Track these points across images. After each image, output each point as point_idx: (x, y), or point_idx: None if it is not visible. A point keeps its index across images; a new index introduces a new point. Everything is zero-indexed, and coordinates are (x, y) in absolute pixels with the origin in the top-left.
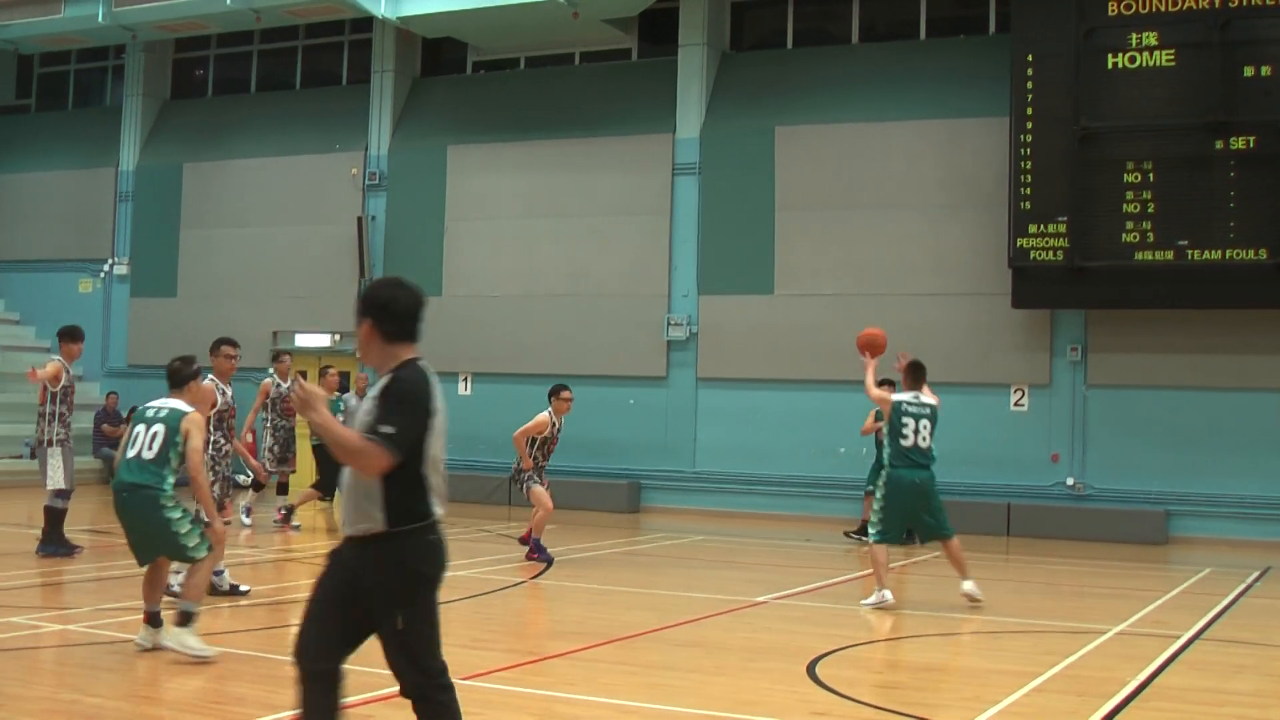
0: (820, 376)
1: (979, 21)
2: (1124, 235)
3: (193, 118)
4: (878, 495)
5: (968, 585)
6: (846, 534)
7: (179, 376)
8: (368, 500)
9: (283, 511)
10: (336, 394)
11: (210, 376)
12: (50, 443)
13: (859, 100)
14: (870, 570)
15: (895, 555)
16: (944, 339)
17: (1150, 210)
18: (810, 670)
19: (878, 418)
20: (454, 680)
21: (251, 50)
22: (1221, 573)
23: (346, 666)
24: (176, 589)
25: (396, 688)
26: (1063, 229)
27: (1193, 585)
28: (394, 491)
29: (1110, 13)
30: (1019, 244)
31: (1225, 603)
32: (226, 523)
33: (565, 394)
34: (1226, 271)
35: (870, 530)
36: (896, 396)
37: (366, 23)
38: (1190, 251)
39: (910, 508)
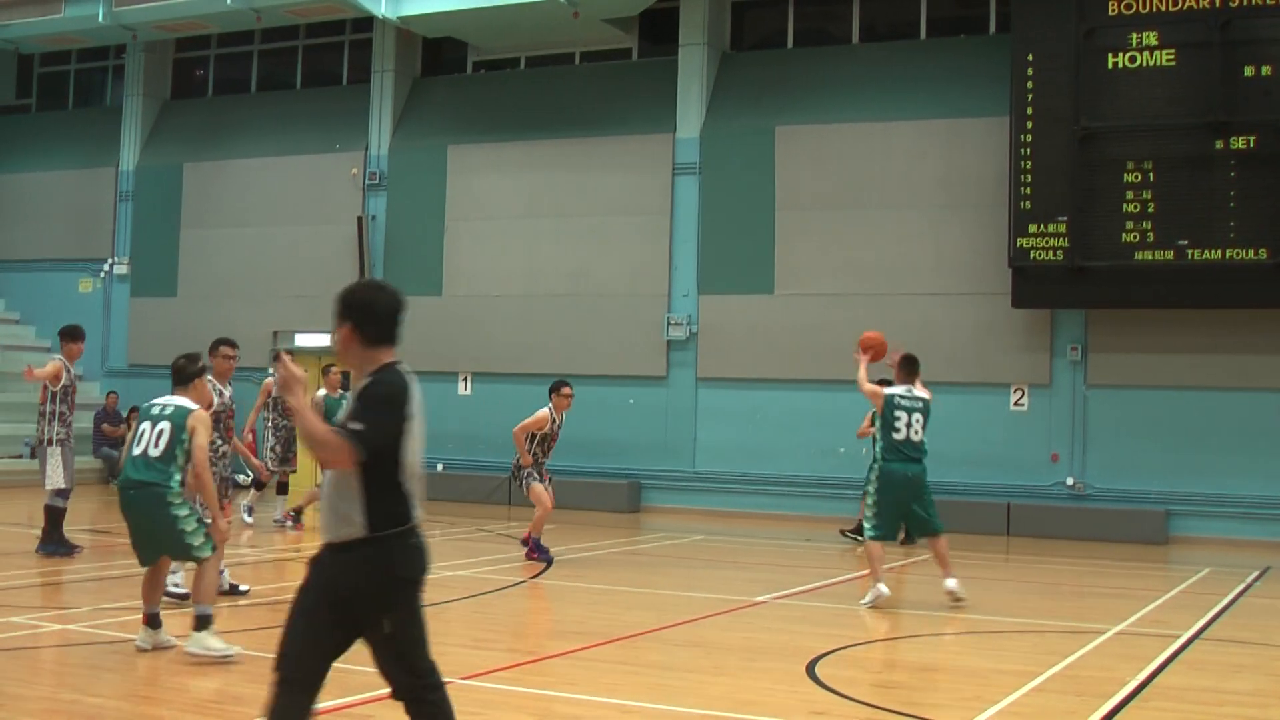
0: (820, 376)
1: (979, 21)
2: (1124, 235)
3: (193, 117)
4: (870, 490)
5: (950, 583)
6: (842, 532)
7: (184, 374)
8: (348, 506)
9: (290, 514)
10: (340, 392)
11: (208, 377)
12: (50, 442)
13: (859, 100)
14: (868, 570)
15: (895, 555)
16: (944, 339)
17: (1150, 210)
18: (810, 670)
19: (874, 421)
20: (454, 680)
21: (252, 50)
22: (1221, 572)
23: (337, 671)
24: (173, 590)
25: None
26: (1063, 229)
27: (1193, 585)
28: (374, 497)
29: (1110, 12)
30: (1019, 244)
31: (1225, 602)
32: (228, 522)
33: (566, 390)
34: (1227, 271)
35: (865, 526)
36: (889, 390)
37: (367, 22)
38: (1190, 251)
39: (903, 501)
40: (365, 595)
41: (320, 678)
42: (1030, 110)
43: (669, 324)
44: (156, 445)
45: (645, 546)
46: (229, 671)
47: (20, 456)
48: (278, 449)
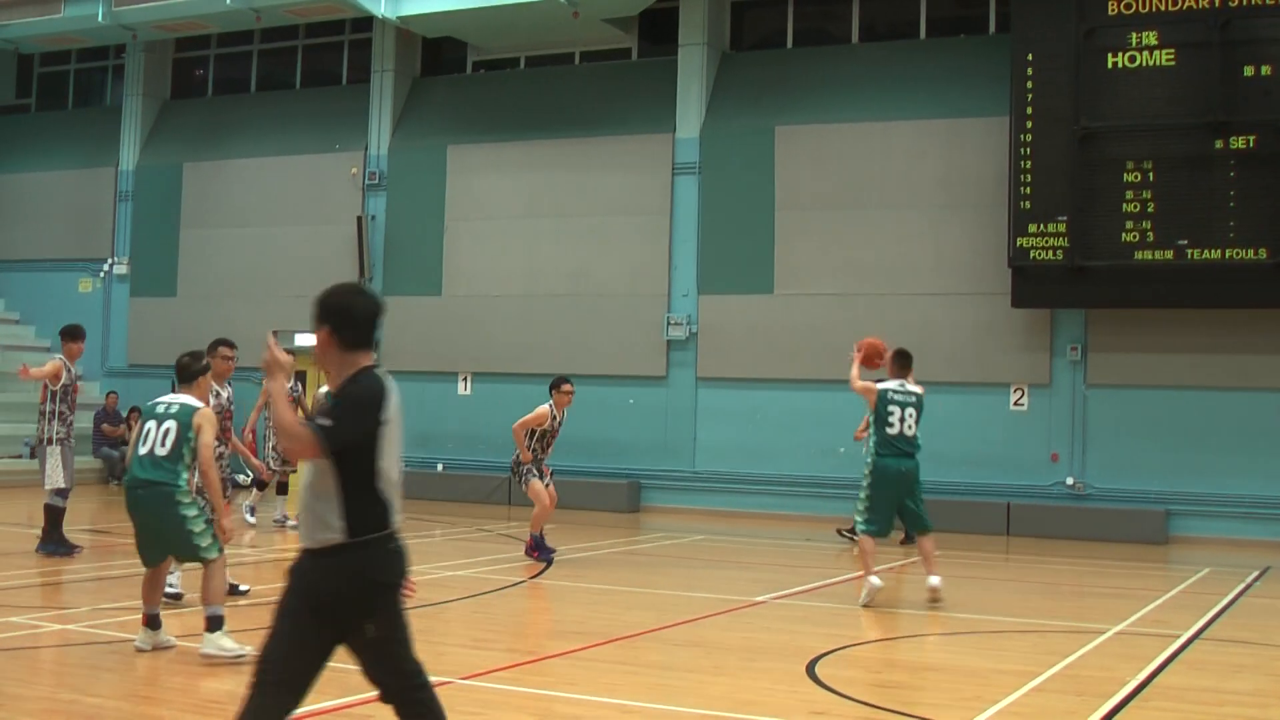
0: (820, 376)
1: (979, 21)
2: (1124, 235)
3: (193, 117)
4: (863, 485)
5: (934, 580)
6: (839, 532)
7: (188, 372)
8: (326, 511)
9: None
10: None
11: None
12: (50, 441)
13: (859, 100)
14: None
15: (894, 554)
16: (944, 338)
17: (1150, 210)
18: (810, 670)
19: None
20: (454, 680)
21: (251, 50)
22: (1221, 572)
23: (337, 671)
24: (167, 590)
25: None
26: (1063, 228)
27: (1192, 585)
28: (352, 501)
29: (1110, 12)
30: (1019, 243)
31: (1225, 602)
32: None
33: (566, 387)
34: (1226, 271)
35: (857, 520)
36: (882, 385)
37: (366, 22)
38: (1190, 251)
39: (896, 496)
40: (347, 601)
41: (305, 682)
42: (1030, 110)
43: (669, 324)
44: (163, 444)
45: (645, 546)
46: (230, 672)
47: (20, 456)
48: (279, 449)
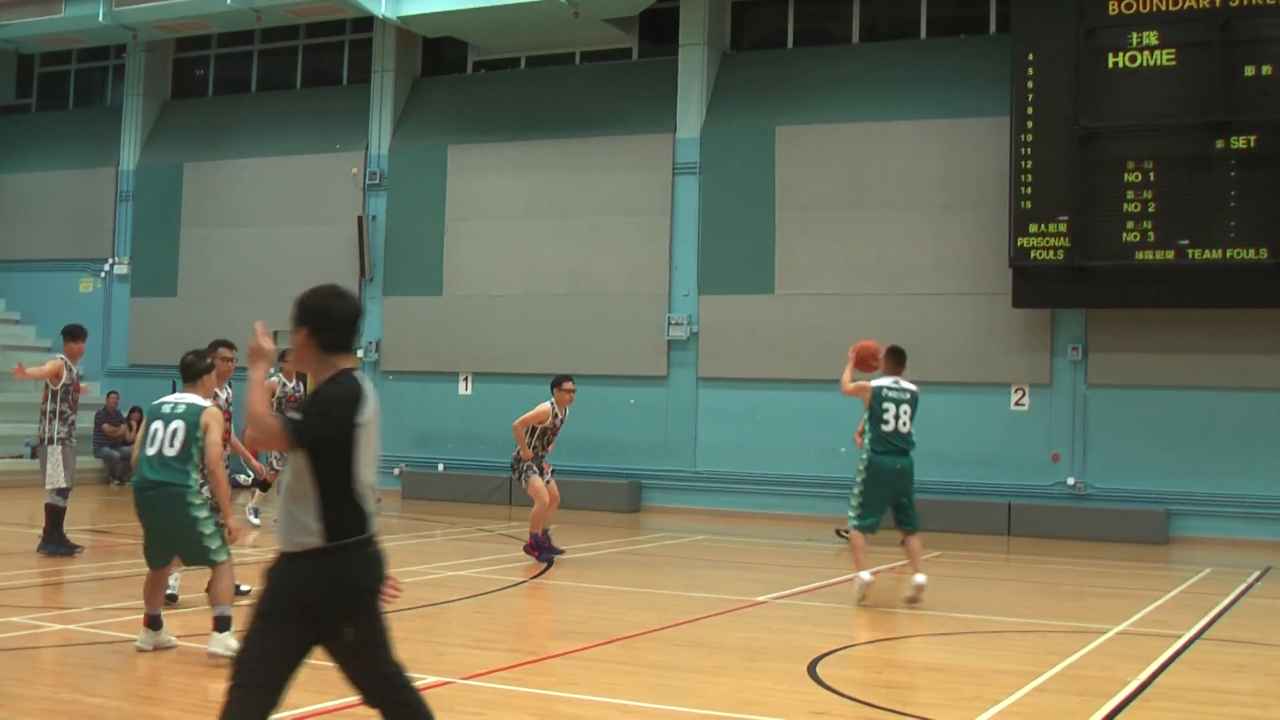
0: (821, 376)
1: (979, 21)
2: (1125, 235)
3: (193, 117)
4: (857, 480)
5: (919, 579)
6: (839, 532)
7: (193, 370)
8: (304, 514)
9: None
10: None
11: None
12: (51, 441)
13: (860, 100)
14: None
15: (895, 554)
16: (945, 338)
17: (1151, 210)
18: (811, 670)
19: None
20: (455, 680)
21: (252, 50)
22: (1222, 572)
23: (336, 671)
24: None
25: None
26: (1063, 228)
27: (1193, 585)
28: (329, 505)
29: (1111, 12)
30: (1019, 243)
31: (1226, 602)
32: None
33: (568, 385)
34: (1227, 271)
35: (850, 515)
36: (876, 382)
37: (367, 22)
38: (1191, 251)
39: (890, 493)
40: (326, 605)
41: (284, 684)
42: (1030, 110)
43: (669, 324)
44: (171, 444)
45: (646, 546)
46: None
47: (21, 456)
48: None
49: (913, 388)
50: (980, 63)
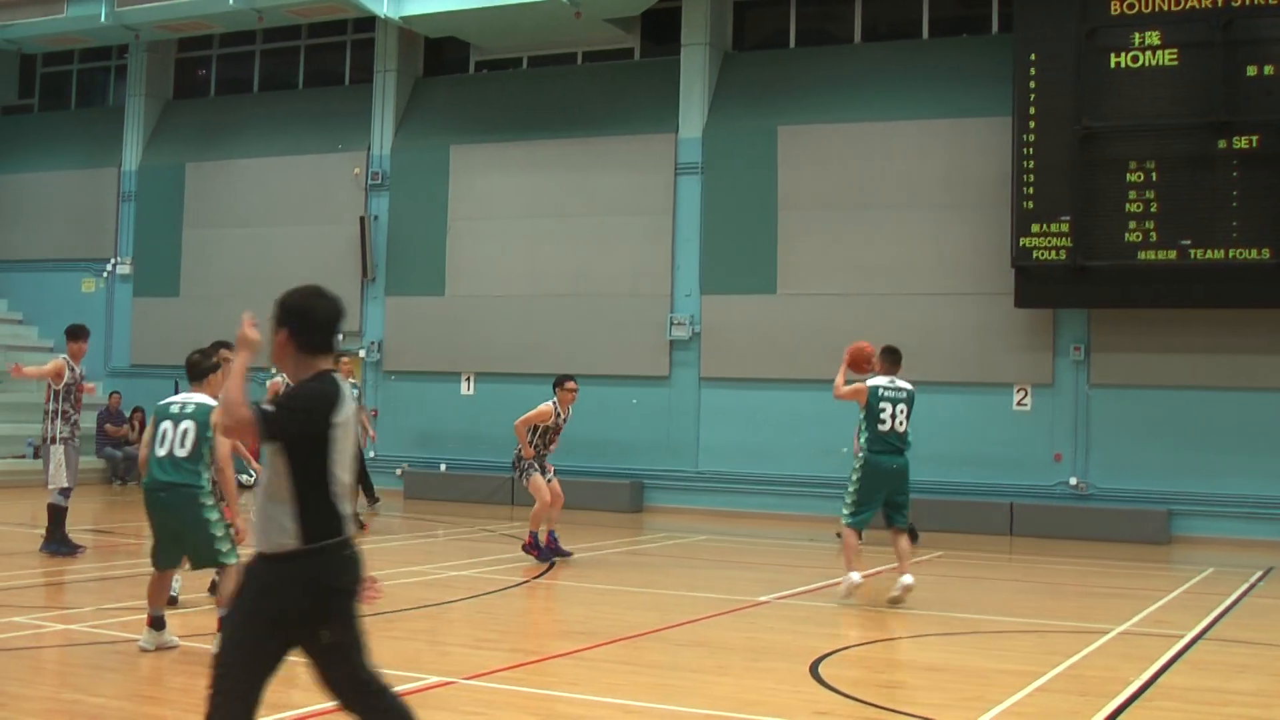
0: (823, 376)
1: (981, 21)
2: (1127, 235)
3: (195, 117)
4: (852, 479)
5: (907, 579)
6: (839, 535)
7: (199, 369)
8: (281, 514)
9: None
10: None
11: None
12: (54, 440)
13: (861, 100)
14: (868, 571)
15: (893, 557)
16: (947, 338)
17: (1153, 210)
18: (813, 670)
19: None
20: (457, 680)
21: (254, 50)
22: (1224, 572)
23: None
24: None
25: (397, 686)
26: (1065, 228)
27: (1196, 585)
28: (306, 506)
29: (1113, 12)
30: (1022, 243)
31: (1228, 602)
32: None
33: (570, 384)
34: (1229, 271)
35: (843, 513)
36: (872, 381)
37: (369, 22)
38: (1193, 251)
39: (885, 492)
40: (302, 607)
41: (263, 684)
42: (1033, 110)
43: (671, 324)
44: (182, 445)
45: (648, 546)
46: None
47: (23, 456)
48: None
49: (909, 387)
50: (982, 62)
